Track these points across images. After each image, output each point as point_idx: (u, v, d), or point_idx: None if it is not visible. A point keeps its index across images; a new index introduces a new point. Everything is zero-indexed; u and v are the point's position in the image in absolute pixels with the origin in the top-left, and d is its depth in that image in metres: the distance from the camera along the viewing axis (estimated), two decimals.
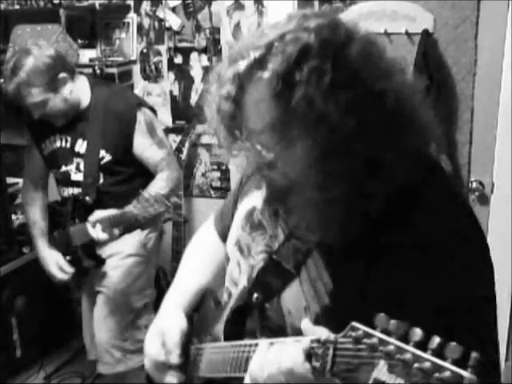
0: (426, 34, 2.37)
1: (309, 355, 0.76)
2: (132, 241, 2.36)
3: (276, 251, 1.00)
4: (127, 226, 2.25)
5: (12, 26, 2.88)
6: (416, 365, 0.58)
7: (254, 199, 1.09)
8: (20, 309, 2.89)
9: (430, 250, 0.83)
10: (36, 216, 2.44)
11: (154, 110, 2.40)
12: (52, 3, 2.78)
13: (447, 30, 2.40)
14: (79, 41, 2.91)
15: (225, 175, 2.93)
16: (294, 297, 0.95)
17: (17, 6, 2.88)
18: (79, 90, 2.25)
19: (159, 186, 2.27)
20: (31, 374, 2.97)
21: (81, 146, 2.28)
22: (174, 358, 1.14)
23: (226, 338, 1.06)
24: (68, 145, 2.31)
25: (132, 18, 2.92)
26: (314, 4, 2.56)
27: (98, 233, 2.18)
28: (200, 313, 1.24)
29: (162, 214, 2.07)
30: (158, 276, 2.83)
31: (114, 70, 2.86)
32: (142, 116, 2.28)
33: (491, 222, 2.40)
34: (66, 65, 2.23)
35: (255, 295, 1.01)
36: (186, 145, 2.75)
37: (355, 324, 0.68)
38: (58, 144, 2.32)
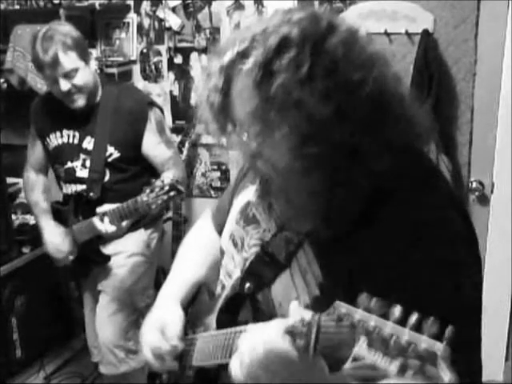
0: (426, 34, 2.37)
1: (291, 334, 0.77)
2: (136, 240, 2.36)
3: (268, 242, 1.02)
4: (137, 216, 2.22)
5: (12, 26, 2.88)
6: (393, 339, 0.61)
7: (249, 194, 1.11)
8: (20, 309, 2.89)
9: (417, 239, 0.85)
10: (37, 197, 2.44)
11: (161, 110, 2.41)
12: (52, 3, 2.78)
13: (447, 30, 2.40)
14: None
15: (225, 175, 2.93)
16: (284, 288, 0.97)
17: (17, 6, 2.88)
18: (97, 78, 2.29)
19: (170, 175, 2.26)
20: (31, 374, 2.97)
21: (89, 143, 2.28)
22: (177, 344, 1.16)
23: (219, 328, 1.08)
24: (76, 141, 2.30)
25: (132, 18, 2.92)
26: (314, 4, 2.57)
27: (105, 225, 2.16)
28: (195, 305, 1.26)
29: (169, 204, 2.05)
30: (157, 276, 2.83)
31: (114, 70, 2.86)
32: (153, 115, 2.30)
33: (491, 222, 2.40)
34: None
35: (247, 285, 1.03)
36: (186, 145, 2.76)
37: (338, 303, 0.70)
38: (64, 139, 2.32)
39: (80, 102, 2.21)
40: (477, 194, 2.46)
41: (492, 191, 2.44)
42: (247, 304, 1.03)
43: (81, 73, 2.15)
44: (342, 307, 0.69)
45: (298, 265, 0.96)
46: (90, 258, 2.34)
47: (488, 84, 2.39)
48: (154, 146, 2.29)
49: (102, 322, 2.39)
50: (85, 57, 2.17)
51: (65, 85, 2.15)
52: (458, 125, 2.46)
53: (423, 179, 0.92)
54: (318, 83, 0.81)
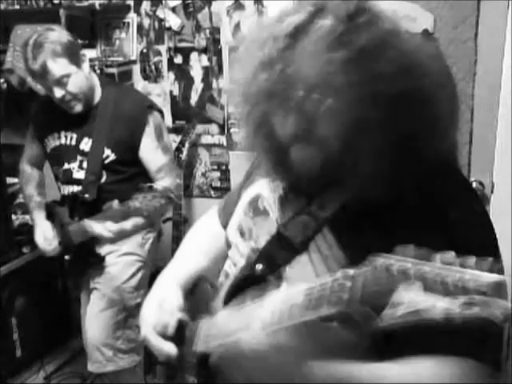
0: (426, 33, 2.37)
1: (315, 290, 0.76)
2: (130, 239, 2.36)
3: (284, 225, 1.00)
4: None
5: (12, 26, 2.88)
6: (455, 277, 0.61)
7: (259, 187, 1.09)
8: (20, 309, 2.89)
9: (448, 226, 0.88)
10: (32, 191, 2.46)
11: (162, 113, 2.41)
12: (52, 3, 2.78)
13: (447, 30, 2.40)
14: (79, 41, 2.90)
15: (225, 175, 2.93)
16: (303, 274, 0.95)
17: (17, 6, 2.88)
18: (94, 79, 2.27)
19: (163, 184, 2.27)
20: (31, 374, 2.97)
21: (86, 144, 2.28)
22: (178, 315, 1.12)
23: None
24: (73, 142, 2.30)
25: (132, 18, 2.92)
26: None
27: (96, 228, 2.16)
28: (195, 296, 1.23)
29: (164, 211, 2.06)
30: (157, 276, 2.82)
31: (114, 70, 2.86)
32: (152, 119, 2.29)
33: None
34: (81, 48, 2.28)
35: (259, 266, 1.00)
36: (186, 145, 2.75)
37: (384, 254, 0.69)
38: (62, 141, 2.32)
39: (77, 107, 2.22)
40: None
41: (492, 191, 2.44)
42: (257, 287, 0.99)
43: (73, 78, 2.15)
44: (387, 257, 0.68)
45: (319, 250, 0.94)
46: (85, 258, 2.34)
47: (488, 84, 2.38)
48: (150, 151, 2.29)
49: (91, 319, 2.40)
50: (76, 61, 2.16)
51: (58, 92, 2.15)
52: (458, 125, 2.45)
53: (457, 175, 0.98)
54: (399, 38, 0.84)
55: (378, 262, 0.69)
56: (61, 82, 2.13)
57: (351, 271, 0.73)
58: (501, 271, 0.62)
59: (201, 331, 1.08)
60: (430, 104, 0.86)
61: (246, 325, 0.86)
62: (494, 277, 0.60)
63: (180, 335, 1.13)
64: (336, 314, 0.73)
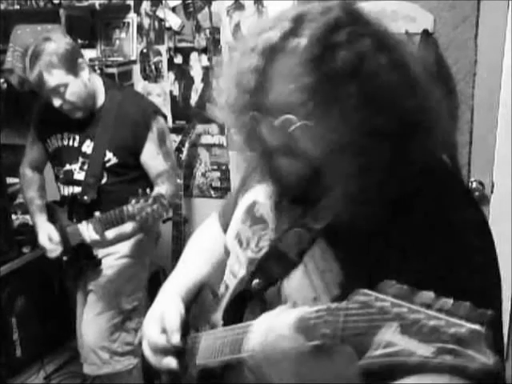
0: (426, 34, 2.37)
1: (303, 324, 0.76)
2: (127, 242, 2.36)
3: (279, 239, 1.00)
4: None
5: (12, 25, 2.88)
6: (431, 323, 0.59)
7: (255, 194, 1.09)
8: (20, 309, 2.89)
9: (441, 238, 0.85)
10: (33, 194, 2.46)
11: (165, 117, 2.40)
12: (52, 3, 2.77)
13: (447, 30, 2.40)
14: (79, 41, 2.91)
15: (225, 175, 2.93)
16: (300, 289, 0.95)
17: (17, 6, 2.87)
18: (95, 84, 2.27)
19: (161, 190, 2.25)
20: (31, 374, 2.97)
21: (88, 147, 2.28)
22: (175, 339, 1.12)
23: (226, 325, 1.05)
24: (75, 144, 2.31)
25: (132, 18, 2.92)
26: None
27: (89, 232, 2.16)
28: (197, 305, 1.24)
29: (158, 217, 2.05)
30: (158, 276, 2.83)
31: (114, 70, 2.85)
32: (155, 125, 2.28)
33: (491, 222, 2.38)
34: (82, 55, 2.26)
35: (256, 281, 1.00)
36: (186, 145, 2.75)
37: (365, 290, 0.68)
38: (65, 142, 2.32)
39: (77, 114, 2.23)
40: (477, 194, 2.46)
41: (492, 191, 2.44)
42: (256, 301, 1.01)
43: (71, 88, 2.15)
44: (370, 294, 0.68)
45: (315, 263, 0.94)
46: (82, 261, 2.34)
47: (488, 84, 2.38)
48: (151, 157, 2.29)
49: (87, 321, 2.41)
50: (74, 69, 2.15)
51: (56, 101, 2.16)
52: (458, 125, 2.46)
53: (451, 178, 0.94)
54: (386, 54, 0.81)
55: (359, 298, 0.69)
56: (57, 91, 2.14)
57: (333, 305, 0.74)
58: (482, 316, 0.59)
59: (200, 344, 1.10)
60: (412, 124, 0.84)
61: (237, 350, 0.91)
62: (469, 326, 0.58)
63: (181, 348, 1.14)
64: (320, 347, 0.76)
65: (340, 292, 0.89)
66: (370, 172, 0.83)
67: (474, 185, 2.47)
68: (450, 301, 0.61)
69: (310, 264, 0.94)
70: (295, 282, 0.96)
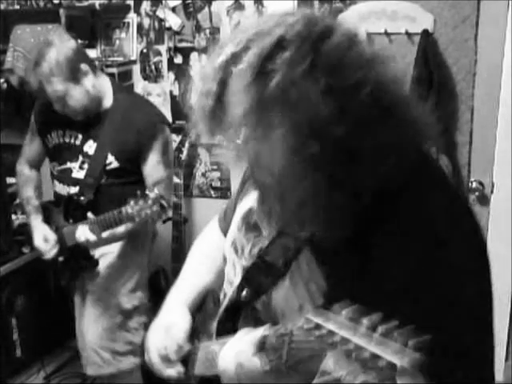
0: (425, 34, 2.37)
1: (262, 346, 0.79)
2: (123, 242, 2.34)
3: (265, 249, 1.00)
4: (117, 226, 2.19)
5: (12, 26, 2.88)
6: (355, 354, 0.60)
7: (251, 200, 1.09)
8: (20, 309, 2.89)
9: (422, 246, 0.83)
10: (30, 193, 2.45)
11: (170, 126, 2.39)
12: (52, 3, 2.78)
13: (447, 30, 2.40)
14: (79, 41, 2.91)
15: (225, 175, 2.93)
16: (285, 298, 0.95)
17: (17, 6, 2.88)
18: (101, 87, 2.24)
19: (156, 191, 2.25)
20: (31, 374, 2.97)
21: (90, 147, 2.27)
22: (183, 351, 1.14)
23: (218, 336, 1.06)
24: (77, 142, 2.29)
25: (132, 18, 2.92)
26: (313, 4, 2.57)
27: (85, 234, 2.15)
28: (202, 313, 1.24)
29: (156, 218, 2.05)
30: (157, 276, 2.83)
31: (114, 70, 2.86)
32: (161, 135, 2.26)
33: (491, 221, 2.40)
34: (87, 57, 2.23)
35: (243, 293, 1.01)
36: (186, 145, 2.75)
37: (309, 316, 0.69)
38: (66, 139, 2.31)
39: (79, 117, 2.22)
40: (477, 194, 2.46)
41: (492, 191, 2.44)
42: (246, 313, 1.01)
43: (72, 94, 2.14)
44: (311, 321, 0.68)
45: (300, 273, 0.94)
46: (79, 262, 2.34)
47: (488, 84, 2.39)
48: (152, 165, 2.27)
49: (88, 322, 2.40)
50: (75, 77, 2.13)
51: (57, 106, 2.16)
52: (458, 125, 2.46)
53: (430, 180, 0.91)
54: (318, 80, 0.80)
55: (303, 326, 0.70)
56: (57, 98, 2.13)
57: (281, 330, 0.76)
58: (423, 342, 0.59)
59: (199, 355, 1.11)
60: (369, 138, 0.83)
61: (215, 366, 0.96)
62: (410, 354, 0.58)
63: (185, 357, 1.16)
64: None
65: (324, 302, 0.90)
66: (314, 195, 0.84)
67: (474, 185, 2.47)
68: (395, 324, 0.61)
69: (295, 273, 0.95)
70: (282, 292, 0.96)
